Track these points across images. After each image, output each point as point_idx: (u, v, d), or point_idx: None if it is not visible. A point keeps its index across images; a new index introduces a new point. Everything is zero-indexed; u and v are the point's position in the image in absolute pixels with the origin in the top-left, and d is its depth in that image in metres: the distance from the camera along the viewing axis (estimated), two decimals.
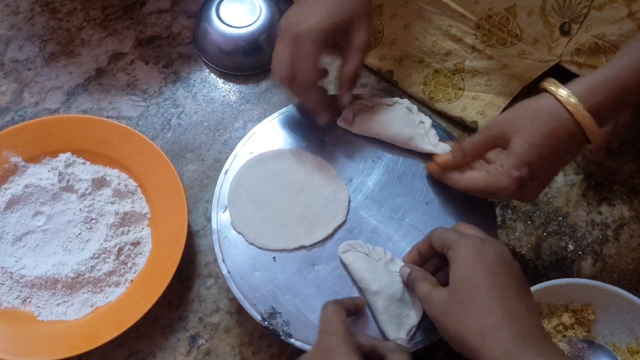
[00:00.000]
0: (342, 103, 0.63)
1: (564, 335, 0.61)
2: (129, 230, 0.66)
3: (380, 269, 0.56)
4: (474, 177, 0.56)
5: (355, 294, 0.57)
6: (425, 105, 0.78)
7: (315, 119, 0.64)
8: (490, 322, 0.44)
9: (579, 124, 0.51)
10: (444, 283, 0.50)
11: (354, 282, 0.57)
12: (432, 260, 0.55)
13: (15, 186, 0.67)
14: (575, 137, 0.52)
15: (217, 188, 0.62)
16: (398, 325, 0.54)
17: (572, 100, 0.51)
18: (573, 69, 0.71)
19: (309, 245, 0.59)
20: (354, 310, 0.54)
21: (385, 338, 0.54)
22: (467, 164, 0.58)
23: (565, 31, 0.70)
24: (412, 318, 0.54)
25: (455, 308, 0.46)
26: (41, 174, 0.68)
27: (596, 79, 0.52)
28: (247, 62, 0.79)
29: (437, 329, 0.49)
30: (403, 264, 0.56)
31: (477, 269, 0.47)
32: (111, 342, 0.59)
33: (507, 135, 0.53)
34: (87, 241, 0.65)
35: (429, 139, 0.63)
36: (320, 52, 0.58)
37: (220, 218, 0.61)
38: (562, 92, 0.52)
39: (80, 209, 0.66)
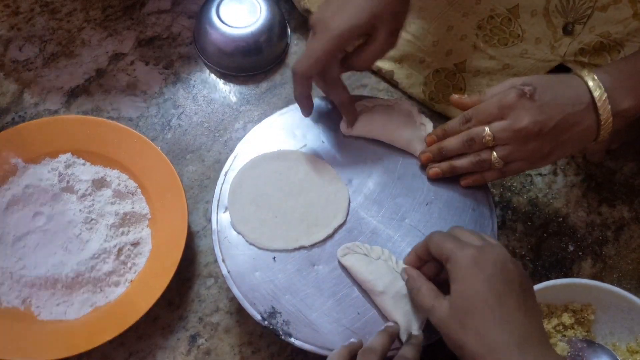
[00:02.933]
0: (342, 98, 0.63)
1: (564, 335, 0.61)
2: (129, 231, 0.66)
3: (381, 267, 0.56)
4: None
5: (355, 293, 0.57)
6: (425, 106, 0.78)
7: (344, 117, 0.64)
8: (488, 343, 0.44)
9: (598, 115, 0.54)
10: (446, 282, 0.50)
11: (356, 283, 0.57)
12: (432, 263, 0.55)
13: (15, 187, 0.67)
14: (585, 120, 0.54)
15: (217, 189, 0.62)
16: (410, 320, 0.54)
17: (599, 90, 0.53)
18: (577, 68, 0.71)
19: (309, 246, 0.59)
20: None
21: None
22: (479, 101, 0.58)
23: (568, 32, 0.70)
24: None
25: (455, 325, 0.46)
26: (41, 175, 0.68)
27: (626, 68, 0.54)
28: (248, 62, 0.79)
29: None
30: (401, 260, 0.56)
31: (476, 286, 0.46)
32: (111, 342, 0.59)
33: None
34: (87, 241, 0.65)
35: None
36: (345, 48, 0.59)
37: (221, 218, 0.61)
38: (590, 79, 0.54)
39: (80, 210, 0.66)
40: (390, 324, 0.54)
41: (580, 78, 0.55)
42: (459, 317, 0.46)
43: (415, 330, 0.53)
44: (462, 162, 0.59)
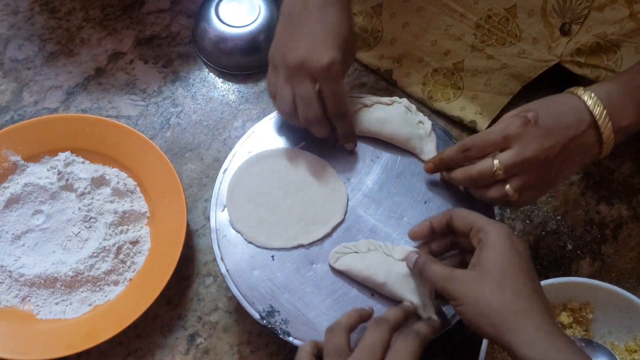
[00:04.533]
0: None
1: None
2: (128, 229, 0.66)
3: (375, 258, 0.56)
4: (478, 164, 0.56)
5: (354, 292, 0.57)
6: (423, 105, 0.78)
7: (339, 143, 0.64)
8: (525, 303, 0.46)
9: (600, 133, 0.53)
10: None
11: (354, 281, 0.57)
12: (442, 241, 0.55)
13: (14, 185, 0.67)
14: (588, 140, 0.53)
15: (216, 187, 0.62)
16: (421, 295, 0.54)
17: (598, 108, 0.53)
18: (574, 68, 0.71)
19: (308, 244, 0.59)
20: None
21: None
22: (468, 160, 0.57)
23: (565, 31, 0.70)
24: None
25: (488, 287, 0.46)
26: (40, 173, 0.68)
27: (622, 85, 0.54)
28: (246, 61, 0.79)
29: (456, 309, 0.48)
30: (389, 245, 0.57)
31: (511, 254, 0.48)
32: (110, 341, 0.59)
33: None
34: (86, 240, 0.65)
35: (426, 151, 0.63)
36: None
37: (219, 217, 0.61)
38: (588, 98, 0.53)
39: (79, 208, 0.66)
40: (406, 303, 0.54)
41: (578, 98, 0.54)
42: (492, 278, 0.47)
43: (432, 314, 0.53)
44: (477, 195, 0.57)
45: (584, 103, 0.53)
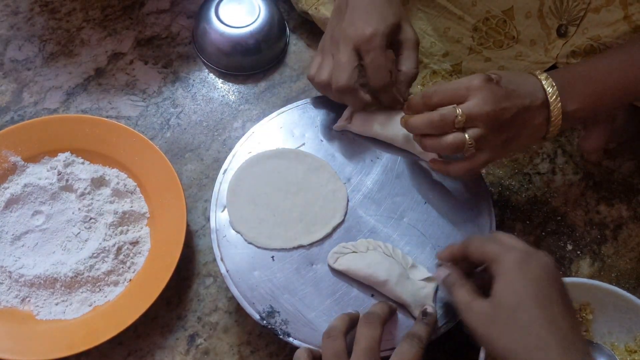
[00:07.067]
0: (404, 98, 0.63)
1: None
2: (127, 230, 0.66)
3: (375, 257, 0.56)
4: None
5: (354, 292, 0.57)
6: None
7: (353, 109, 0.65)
8: (537, 338, 0.44)
9: (549, 111, 0.56)
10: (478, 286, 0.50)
11: (354, 282, 0.57)
12: (464, 265, 0.54)
13: (14, 185, 0.67)
14: (540, 110, 0.56)
15: (216, 187, 0.62)
16: (419, 299, 0.55)
17: (551, 89, 0.56)
18: None
19: (308, 245, 0.59)
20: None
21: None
22: (430, 107, 0.57)
23: (562, 33, 0.70)
24: (428, 287, 0.56)
25: (500, 322, 0.45)
26: (40, 174, 0.68)
27: (576, 73, 0.57)
28: (246, 62, 0.79)
29: (475, 339, 0.48)
30: (389, 245, 0.58)
31: (524, 284, 0.46)
32: (110, 341, 0.59)
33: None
34: (86, 240, 0.65)
35: (426, 152, 0.63)
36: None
37: (219, 217, 0.61)
38: (544, 79, 0.57)
39: (79, 209, 0.66)
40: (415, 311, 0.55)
41: (535, 77, 0.57)
42: (504, 314, 0.45)
43: (431, 306, 0.54)
44: (435, 145, 0.57)
45: (540, 82, 0.57)
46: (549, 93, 0.56)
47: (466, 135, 0.54)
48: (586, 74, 0.58)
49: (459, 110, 0.54)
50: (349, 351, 0.49)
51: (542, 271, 0.46)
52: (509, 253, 0.48)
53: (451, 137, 0.55)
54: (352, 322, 0.52)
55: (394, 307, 0.55)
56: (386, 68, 0.60)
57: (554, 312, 0.45)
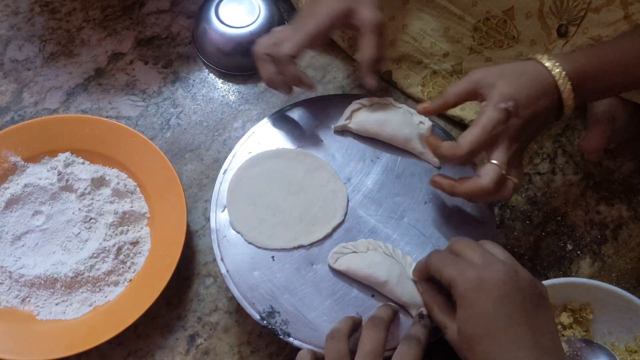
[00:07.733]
0: (369, 85, 0.63)
1: (563, 335, 0.61)
2: (128, 230, 0.66)
3: (375, 257, 0.57)
4: (472, 180, 0.55)
5: (354, 292, 0.57)
6: None
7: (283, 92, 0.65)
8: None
9: (559, 92, 0.55)
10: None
11: (354, 282, 0.57)
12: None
13: (14, 186, 0.67)
14: (553, 101, 0.55)
15: (216, 187, 0.62)
16: (420, 300, 0.55)
17: (557, 69, 0.55)
18: None
19: (308, 245, 0.59)
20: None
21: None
22: (446, 108, 0.58)
23: (562, 33, 0.70)
24: None
25: (464, 351, 0.47)
26: (40, 174, 0.68)
27: (580, 54, 0.57)
28: (246, 62, 0.79)
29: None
30: (389, 245, 0.58)
31: (482, 310, 0.45)
32: (110, 341, 0.59)
33: (491, 81, 0.55)
34: (86, 240, 0.65)
35: (426, 152, 0.64)
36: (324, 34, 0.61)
37: (219, 217, 0.61)
38: (547, 61, 0.56)
39: (79, 209, 0.66)
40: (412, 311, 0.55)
41: (537, 62, 0.56)
42: (465, 342, 0.46)
43: (426, 310, 0.54)
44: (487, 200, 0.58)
45: (545, 67, 0.56)
46: (555, 73, 0.55)
47: (498, 165, 0.54)
48: (588, 50, 0.58)
49: (495, 162, 0.54)
50: (352, 354, 0.49)
51: (500, 288, 0.45)
52: (463, 276, 0.47)
53: (506, 192, 0.55)
54: (355, 326, 0.52)
55: (397, 309, 0.55)
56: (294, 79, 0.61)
57: (519, 328, 0.45)
